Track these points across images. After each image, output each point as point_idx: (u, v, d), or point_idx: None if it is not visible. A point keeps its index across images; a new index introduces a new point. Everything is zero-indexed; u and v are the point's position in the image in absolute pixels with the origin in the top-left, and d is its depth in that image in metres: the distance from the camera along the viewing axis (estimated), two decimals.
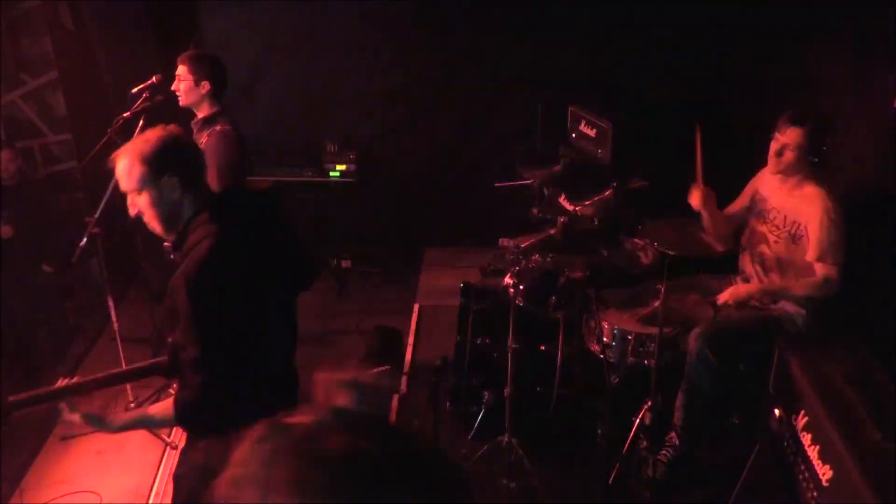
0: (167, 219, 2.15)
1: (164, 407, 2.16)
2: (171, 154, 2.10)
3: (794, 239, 3.27)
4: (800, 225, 3.25)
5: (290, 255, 2.39)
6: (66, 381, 2.15)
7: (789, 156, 3.21)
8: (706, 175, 3.43)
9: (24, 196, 4.67)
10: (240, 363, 2.11)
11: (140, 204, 2.13)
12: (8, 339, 4.48)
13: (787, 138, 3.19)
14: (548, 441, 3.65)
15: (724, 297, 3.37)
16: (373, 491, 0.96)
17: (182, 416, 2.15)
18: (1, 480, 3.54)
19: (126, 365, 3.86)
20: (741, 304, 3.37)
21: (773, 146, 3.24)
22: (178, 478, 2.39)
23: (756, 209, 3.48)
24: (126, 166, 2.09)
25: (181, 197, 2.12)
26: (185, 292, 2.02)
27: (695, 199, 3.44)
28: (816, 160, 3.19)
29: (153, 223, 2.17)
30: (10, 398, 2.09)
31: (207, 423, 2.14)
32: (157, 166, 2.08)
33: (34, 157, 4.97)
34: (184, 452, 2.43)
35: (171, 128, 2.18)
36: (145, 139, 2.11)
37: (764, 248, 3.41)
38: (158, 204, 2.12)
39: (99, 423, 2.17)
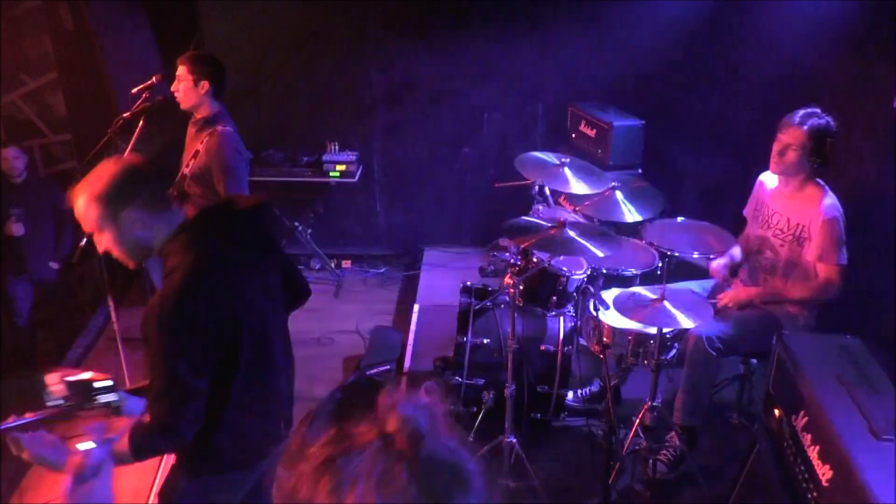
0: (134, 253, 2.08)
1: (121, 444, 2.00)
2: (127, 189, 2.00)
3: (799, 241, 3.27)
4: (803, 227, 3.24)
5: (276, 275, 2.31)
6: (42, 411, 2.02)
7: (791, 156, 3.20)
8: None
9: (30, 194, 4.68)
10: (217, 392, 2.05)
11: (105, 242, 2.05)
12: (8, 339, 4.49)
13: (789, 138, 3.19)
14: (548, 441, 3.65)
15: (724, 301, 3.38)
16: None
17: (137, 453, 2.02)
18: (1, 480, 3.54)
19: (126, 365, 3.87)
20: (742, 306, 3.38)
21: (776, 146, 3.24)
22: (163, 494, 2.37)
23: (758, 215, 3.47)
24: (82, 208, 2.01)
25: (147, 228, 2.04)
26: (156, 325, 1.95)
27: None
28: (818, 161, 3.19)
29: (122, 259, 2.10)
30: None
31: (163, 453, 2.08)
32: (113, 204, 1.99)
33: (34, 157, 4.98)
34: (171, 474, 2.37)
35: (128, 159, 2.10)
36: (98, 176, 2.01)
37: (768, 253, 3.40)
38: (121, 241, 2.04)
39: (51, 464, 2.00)
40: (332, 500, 0.98)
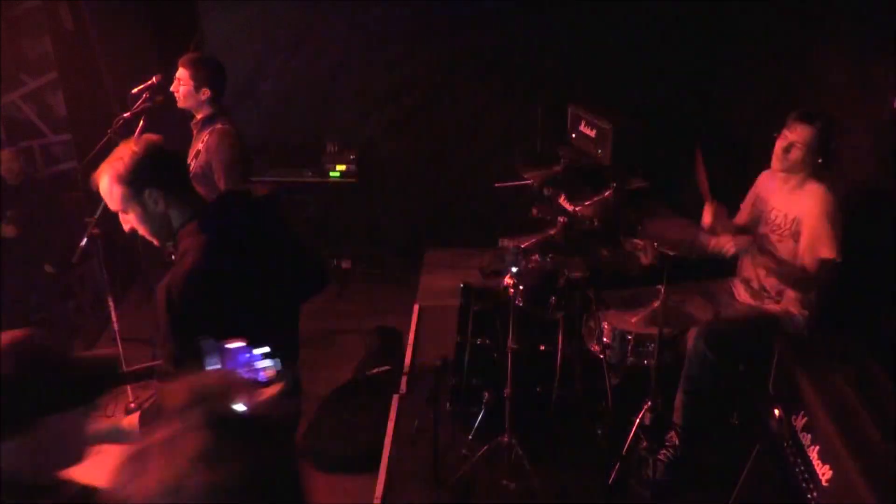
0: (159, 231, 2.14)
1: (131, 421, 2.12)
2: (148, 168, 2.06)
3: (796, 237, 3.27)
4: (800, 221, 3.25)
5: (290, 262, 2.33)
6: None
7: (796, 153, 3.20)
8: (713, 192, 3.46)
9: (26, 196, 4.67)
10: None
11: (130, 221, 2.12)
12: None
13: (795, 136, 3.19)
14: (548, 441, 3.65)
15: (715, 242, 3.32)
16: None
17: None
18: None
19: (126, 365, 3.87)
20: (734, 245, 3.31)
21: (780, 143, 3.24)
22: None
23: (757, 212, 3.48)
24: (106, 188, 2.07)
25: (166, 208, 2.10)
26: (164, 305, 1.99)
27: (706, 216, 3.45)
28: (821, 160, 3.19)
29: (148, 237, 2.16)
30: None
31: None
32: (135, 183, 2.05)
33: (34, 158, 4.97)
34: None
35: (147, 138, 2.14)
36: (119, 157, 2.07)
37: (766, 250, 3.40)
38: (146, 219, 2.10)
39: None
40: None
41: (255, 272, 2.16)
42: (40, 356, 1.36)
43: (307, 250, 2.53)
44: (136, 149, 2.08)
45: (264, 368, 2.01)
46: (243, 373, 1.99)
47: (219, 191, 3.48)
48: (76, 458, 1.41)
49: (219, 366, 2.00)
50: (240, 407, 1.87)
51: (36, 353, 1.36)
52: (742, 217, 3.59)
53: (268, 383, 1.96)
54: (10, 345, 1.34)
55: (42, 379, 1.34)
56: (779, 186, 3.38)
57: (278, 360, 2.03)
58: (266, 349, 2.02)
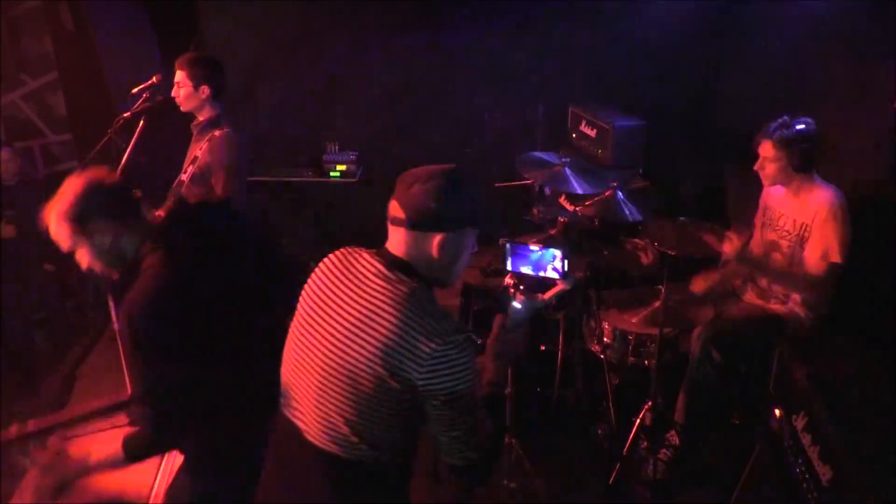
0: (112, 262, 2.13)
1: (113, 450, 2.10)
2: (92, 201, 2.07)
3: (803, 242, 3.26)
4: (807, 226, 3.24)
5: (255, 263, 2.31)
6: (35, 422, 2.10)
7: (770, 168, 3.22)
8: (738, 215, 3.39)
9: (24, 196, 4.67)
10: (198, 389, 2.05)
11: (84, 258, 2.12)
12: (8, 339, 4.48)
13: (764, 152, 3.23)
14: (548, 441, 3.65)
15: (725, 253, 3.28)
16: None
17: (131, 455, 2.10)
18: (1, 480, 3.54)
19: (126, 365, 3.87)
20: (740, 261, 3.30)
21: (757, 162, 3.26)
22: (170, 494, 2.40)
23: (765, 219, 3.47)
24: (54, 229, 2.08)
25: (115, 237, 2.10)
26: (129, 328, 1.97)
27: (726, 246, 3.24)
28: (800, 165, 3.18)
29: (104, 271, 2.15)
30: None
31: (158, 452, 2.14)
32: (80, 219, 2.06)
33: (34, 157, 4.97)
34: (179, 470, 2.42)
35: (90, 172, 2.14)
36: (62, 195, 2.08)
37: (776, 256, 3.40)
38: (97, 253, 2.10)
39: (55, 473, 2.11)
40: None
41: (216, 281, 2.13)
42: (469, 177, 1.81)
43: (273, 250, 2.52)
44: (78, 185, 2.09)
45: (553, 268, 2.08)
46: (531, 271, 2.05)
47: (215, 194, 3.47)
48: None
49: (510, 269, 2.20)
50: (516, 305, 1.97)
51: (465, 174, 1.80)
52: (758, 237, 3.56)
53: (552, 283, 2.03)
54: (443, 170, 1.80)
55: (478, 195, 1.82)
56: (783, 193, 3.37)
57: (567, 261, 2.16)
58: (559, 251, 2.07)
